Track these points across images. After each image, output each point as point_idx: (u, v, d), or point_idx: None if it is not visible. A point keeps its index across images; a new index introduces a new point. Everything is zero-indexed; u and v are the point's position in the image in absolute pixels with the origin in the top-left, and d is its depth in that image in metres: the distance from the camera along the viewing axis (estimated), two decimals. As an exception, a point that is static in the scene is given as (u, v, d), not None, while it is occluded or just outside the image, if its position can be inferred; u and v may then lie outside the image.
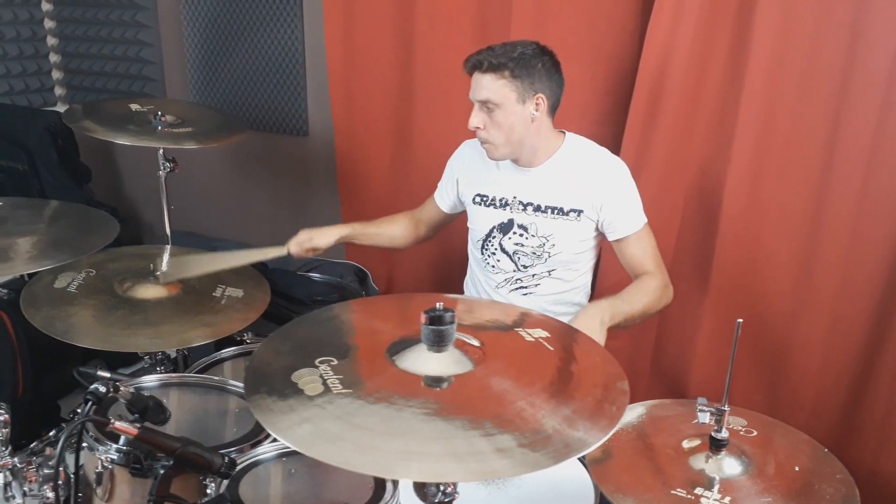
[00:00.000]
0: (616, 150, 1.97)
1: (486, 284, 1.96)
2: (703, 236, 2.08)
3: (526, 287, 1.90)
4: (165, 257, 2.02)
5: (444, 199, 2.05)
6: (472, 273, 2.05)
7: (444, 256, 2.54)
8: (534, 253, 1.85)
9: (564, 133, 1.86)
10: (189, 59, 2.94)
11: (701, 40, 1.91)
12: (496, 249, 1.90)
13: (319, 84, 2.70)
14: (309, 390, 0.96)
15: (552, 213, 1.82)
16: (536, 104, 1.74)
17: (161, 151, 2.17)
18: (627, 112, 2.07)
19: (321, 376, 0.98)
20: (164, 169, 2.19)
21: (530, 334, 1.13)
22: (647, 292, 1.75)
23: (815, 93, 1.84)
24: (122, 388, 1.11)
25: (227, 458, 1.11)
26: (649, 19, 1.96)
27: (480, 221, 1.92)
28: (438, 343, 1.00)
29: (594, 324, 1.57)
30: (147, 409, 1.14)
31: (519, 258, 1.88)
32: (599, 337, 1.55)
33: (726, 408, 1.15)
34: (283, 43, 2.72)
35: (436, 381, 1.03)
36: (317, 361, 1.00)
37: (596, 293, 2.04)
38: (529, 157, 1.83)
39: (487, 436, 0.91)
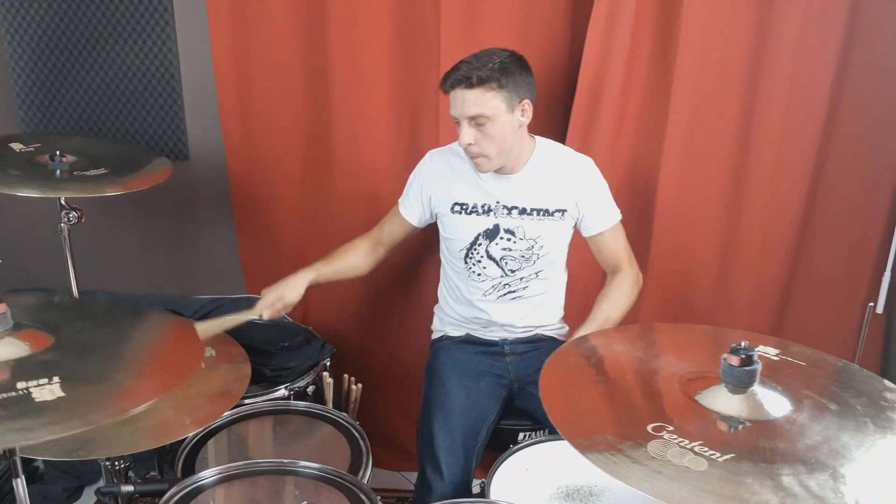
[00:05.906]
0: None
1: (471, 294, 1.92)
2: (641, 223, 2.24)
3: (514, 291, 1.90)
4: None
5: (412, 214, 1.96)
6: (449, 284, 1.98)
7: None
8: (522, 256, 1.86)
9: (534, 137, 1.88)
10: (16, 80, 2.41)
11: (635, 43, 2.03)
12: (482, 257, 1.87)
13: (200, 98, 2.39)
14: (689, 463, 0.90)
15: (538, 214, 1.84)
16: (523, 110, 1.74)
17: (62, 200, 1.77)
18: (560, 113, 2.14)
19: (679, 445, 0.91)
20: (68, 221, 1.79)
21: (766, 352, 1.14)
22: (626, 295, 1.86)
23: (732, 85, 2.06)
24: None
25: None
26: (578, 24, 2.05)
27: (463, 230, 1.87)
28: (748, 383, 0.97)
29: None
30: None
31: (506, 263, 1.87)
32: None
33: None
34: (149, 52, 2.34)
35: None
36: (649, 429, 0.91)
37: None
38: (513, 163, 1.82)
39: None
